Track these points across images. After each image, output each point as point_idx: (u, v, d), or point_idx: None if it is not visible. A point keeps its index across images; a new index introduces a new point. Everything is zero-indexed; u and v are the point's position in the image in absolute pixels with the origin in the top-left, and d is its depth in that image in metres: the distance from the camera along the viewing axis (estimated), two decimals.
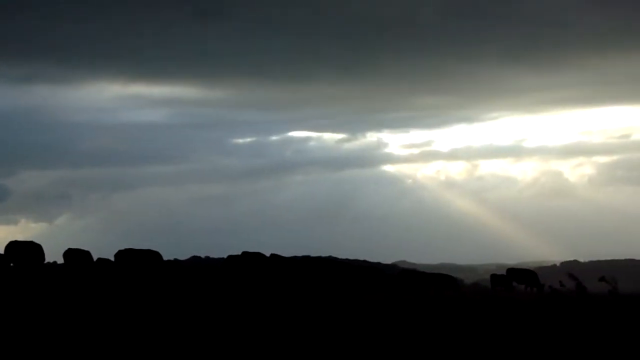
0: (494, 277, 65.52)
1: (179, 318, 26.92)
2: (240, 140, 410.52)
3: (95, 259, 54.41)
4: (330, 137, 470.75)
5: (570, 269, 72.50)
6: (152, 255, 55.82)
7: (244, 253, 58.90)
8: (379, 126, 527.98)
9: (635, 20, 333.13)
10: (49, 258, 53.50)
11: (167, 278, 51.63)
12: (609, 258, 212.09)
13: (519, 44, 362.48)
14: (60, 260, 54.73)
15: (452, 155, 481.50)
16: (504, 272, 66.40)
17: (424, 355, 18.68)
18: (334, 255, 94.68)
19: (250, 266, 57.35)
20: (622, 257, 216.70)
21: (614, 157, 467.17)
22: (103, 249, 58.84)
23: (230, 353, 19.01)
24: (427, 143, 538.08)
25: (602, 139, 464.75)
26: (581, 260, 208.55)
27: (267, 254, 59.52)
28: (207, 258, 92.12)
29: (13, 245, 50.34)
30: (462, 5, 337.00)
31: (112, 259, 54.63)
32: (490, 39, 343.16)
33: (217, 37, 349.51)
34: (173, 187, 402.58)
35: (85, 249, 54.54)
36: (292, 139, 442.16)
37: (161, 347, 19.75)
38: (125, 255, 54.64)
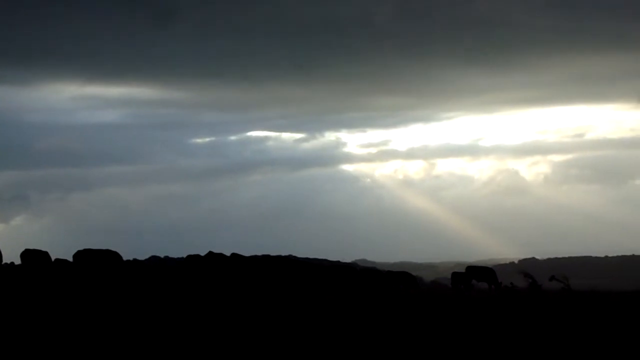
0: (454, 275, 65.93)
1: (140, 319, 26.93)
2: (199, 140, 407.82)
3: (53, 259, 53.98)
4: (288, 136, 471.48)
5: (528, 266, 73.39)
6: (111, 256, 55.55)
7: (210, 253, 58.78)
8: (337, 126, 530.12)
9: (585, 22, 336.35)
10: (6, 259, 52.97)
11: (127, 278, 51.47)
12: (565, 255, 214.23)
13: (473, 46, 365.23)
14: (18, 261, 54.27)
15: (409, 155, 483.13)
16: (463, 270, 66.84)
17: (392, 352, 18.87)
18: (294, 254, 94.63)
19: (211, 266, 57.31)
20: (578, 255, 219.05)
21: (569, 156, 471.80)
22: (61, 249, 58.31)
23: (195, 353, 19.08)
24: (385, 142, 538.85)
25: (556, 138, 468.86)
26: (539, 257, 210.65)
27: (228, 254, 59.46)
28: (167, 258, 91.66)
29: None
30: (417, 7, 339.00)
31: (71, 259, 54.29)
32: (445, 40, 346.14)
33: (173, 39, 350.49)
34: (131, 187, 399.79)
35: (43, 249, 54.09)
36: (251, 139, 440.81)
37: (124, 348, 19.78)
38: (84, 255, 54.30)
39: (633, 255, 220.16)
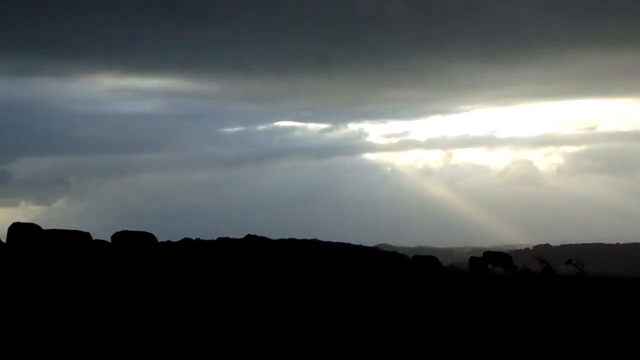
0: (472, 259, 66.17)
1: (174, 298, 27.21)
2: (229, 130, 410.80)
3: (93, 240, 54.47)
4: (314, 127, 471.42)
5: (542, 252, 73.25)
6: (147, 237, 56.10)
7: (248, 236, 59.19)
8: (360, 117, 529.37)
9: (596, 20, 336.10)
10: None
11: (162, 259, 52.00)
12: (578, 242, 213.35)
13: (491, 42, 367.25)
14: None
15: (429, 145, 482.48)
16: (479, 255, 67.04)
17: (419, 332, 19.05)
18: (318, 238, 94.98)
19: (241, 248, 57.78)
20: (590, 242, 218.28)
21: (581, 148, 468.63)
22: (100, 231, 58.88)
23: (227, 332, 19.25)
24: (405, 133, 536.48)
25: (569, 131, 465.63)
26: (552, 244, 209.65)
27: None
28: (198, 240, 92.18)
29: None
30: (437, 6, 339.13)
31: (109, 240, 54.84)
32: (464, 36, 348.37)
33: (205, 35, 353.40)
34: (164, 173, 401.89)
35: (84, 231, 54.62)
36: (278, 129, 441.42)
37: (158, 325, 20.01)
38: (121, 237, 54.90)
39: (637, 244, 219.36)
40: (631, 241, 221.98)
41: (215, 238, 62.78)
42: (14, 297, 25.28)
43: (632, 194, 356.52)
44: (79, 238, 52.55)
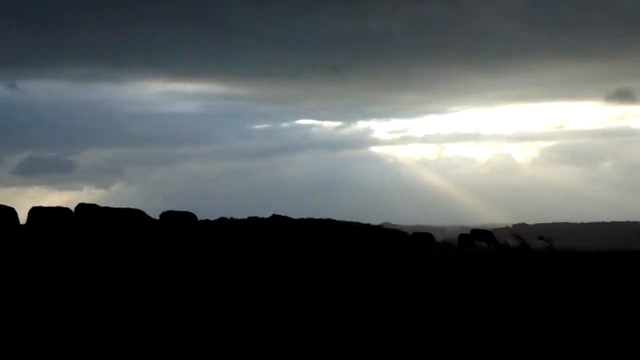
0: (461, 236, 66.18)
1: (214, 269, 27.40)
2: (257, 127, 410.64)
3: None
4: (329, 124, 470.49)
5: (520, 230, 73.05)
6: (189, 216, 56.50)
7: (273, 216, 59.49)
8: (367, 116, 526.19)
9: (563, 36, 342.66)
10: None
11: (201, 234, 52.43)
12: (549, 222, 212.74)
13: (477, 53, 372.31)
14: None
15: (425, 140, 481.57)
16: (467, 232, 67.09)
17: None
18: (332, 217, 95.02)
19: (268, 226, 58.13)
20: (559, 221, 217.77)
21: (552, 143, 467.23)
22: (149, 211, 59.39)
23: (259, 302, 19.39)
24: (405, 130, 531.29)
25: (542, 129, 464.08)
26: (528, 223, 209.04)
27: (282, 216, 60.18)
28: (232, 219, 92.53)
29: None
30: (431, 23, 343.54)
31: (158, 218, 55.22)
32: (454, 49, 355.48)
33: (237, 46, 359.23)
34: (203, 163, 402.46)
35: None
36: (299, 126, 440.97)
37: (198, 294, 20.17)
38: (168, 215, 55.35)
39: (603, 222, 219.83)
40: (592, 220, 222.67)
41: (246, 217, 63.09)
42: (82, 262, 25.60)
43: (593, 181, 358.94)
44: (135, 215, 53.03)
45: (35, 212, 46.45)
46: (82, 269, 24.10)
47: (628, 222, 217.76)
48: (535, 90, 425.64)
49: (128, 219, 52.74)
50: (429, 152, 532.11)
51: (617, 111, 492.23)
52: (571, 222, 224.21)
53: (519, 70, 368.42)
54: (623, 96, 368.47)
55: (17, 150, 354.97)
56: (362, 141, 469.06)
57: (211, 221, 76.68)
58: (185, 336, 12.68)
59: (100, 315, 14.78)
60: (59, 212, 48.12)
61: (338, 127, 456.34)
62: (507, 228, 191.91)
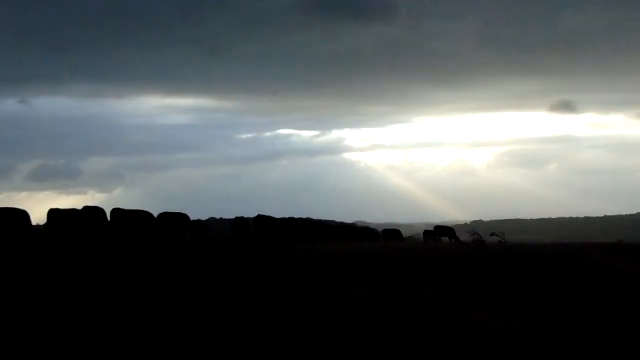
0: (426, 232, 66.58)
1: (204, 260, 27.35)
2: (243, 136, 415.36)
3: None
4: (307, 134, 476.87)
5: (477, 226, 73.69)
6: (182, 217, 56.22)
7: (258, 216, 59.33)
8: (341, 126, 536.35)
9: (513, 56, 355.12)
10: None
11: (192, 233, 52.30)
12: (503, 218, 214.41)
13: (438, 71, 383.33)
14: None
15: (392, 147, 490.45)
16: (431, 229, 67.49)
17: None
18: (310, 216, 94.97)
19: (253, 225, 58.08)
20: (512, 218, 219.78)
21: (504, 149, 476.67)
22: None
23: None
24: (375, 138, 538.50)
25: (496, 136, 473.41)
26: (484, 219, 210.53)
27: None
28: (221, 218, 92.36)
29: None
30: (396, 44, 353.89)
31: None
32: (417, 67, 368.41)
33: (226, 66, 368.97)
34: (195, 169, 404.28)
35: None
36: (280, 135, 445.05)
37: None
38: (164, 216, 55.05)
39: (550, 218, 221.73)
40: (541, 217, 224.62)
41: (233, 217, 62.89)
42: (88, 263, 25.47)
43: (539, 182, 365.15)
44: (144, 216, 52.56)
45: (53, 213, 46.46)
46: (98, 263, 24.06)
47: (571, 217, 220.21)
48: (489, 102, 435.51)
49: (138, 220, 52.29)
50: (396, 157, 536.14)
51: (560, 120, 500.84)
52: (522, 218, 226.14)
53: (474, 85, 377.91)
54: (565, 107, 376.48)
55: (29, 159, 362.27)
56: (337, 148, 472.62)
57: (202, 221, 76.44)
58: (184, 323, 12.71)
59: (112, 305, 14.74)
60: (74, 213, 47.87)
61: (315, 136, 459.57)
62: (466, 224, 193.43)
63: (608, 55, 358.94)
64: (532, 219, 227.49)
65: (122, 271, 20.97)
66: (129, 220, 50.36)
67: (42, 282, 18.41)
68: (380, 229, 75.68)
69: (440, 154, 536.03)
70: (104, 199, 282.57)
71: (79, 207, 50.03)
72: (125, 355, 10.64)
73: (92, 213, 48.51)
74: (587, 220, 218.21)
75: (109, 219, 48.71)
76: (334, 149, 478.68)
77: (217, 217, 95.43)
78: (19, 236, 37.70)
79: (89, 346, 10.99)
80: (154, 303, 15.01)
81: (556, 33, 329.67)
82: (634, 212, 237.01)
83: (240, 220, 60.52)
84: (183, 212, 58.31)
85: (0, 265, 21.09)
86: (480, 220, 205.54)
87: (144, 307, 14.40)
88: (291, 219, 65.94)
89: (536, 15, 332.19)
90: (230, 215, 78.88)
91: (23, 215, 42.43)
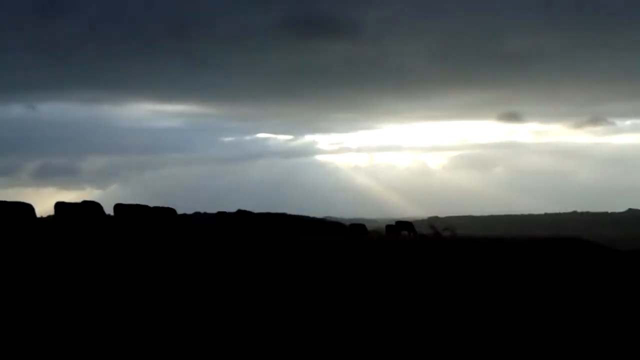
0: (388, 226, 67.00)
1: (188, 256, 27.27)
2: (226, 139, 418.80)
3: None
4: (283, 137, 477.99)
5: (433, 221, 74.37)
6: (170, 211, 56.03)
7: (238, 210, 59.43)
8: (312, 131, 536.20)
9: (465, 69, 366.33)
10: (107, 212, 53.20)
11: (180, 226, 52.20)
12: (457, 214, 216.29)
13: (398, 82, 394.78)
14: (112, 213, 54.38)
15: (358, 150, 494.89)
16: (392, 223, 67.95)
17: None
18: (286, 212, 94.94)
19: (234, 219, 58.12)
20: (464, 214, 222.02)
21: (457, 153, 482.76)
22: None
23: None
24: (342, 142, 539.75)
25: (450, 142, 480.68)
26: (440, 215, 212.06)
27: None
28: (205, 213, 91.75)
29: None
30: (361, 59, 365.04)
31: None
32: (380, 79, 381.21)
33: (210, 76, 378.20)
34: (183, 167, 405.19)
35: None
36: (259, 139, 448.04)
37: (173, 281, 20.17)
38: (154, 210, 54.75)
39: (499, 215, 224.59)
40: (488, 214, 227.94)
41: (216, 211, 62.84)
42: (81, 251, 25.25)
43: (488, 183, 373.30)
44: (129, 210, 52.16)
45: (59, 206, 46.29)
46: (102, 253, 23.97)
47: (516, 214, 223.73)
48: (444, 111, 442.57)
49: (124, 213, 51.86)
50: (362, 159, 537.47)
51: (506, 129, 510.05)
52: (473, 214, 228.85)
53: (431, 96, 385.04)
54: (511, 117, 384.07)
55: (34, 158, 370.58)
56: (309, 151, 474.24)
57: (188, 215, 76.21)
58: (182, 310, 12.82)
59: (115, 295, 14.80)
60: (84, 206, 47.53)
61: (289, 140, 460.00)
62: (423, 220, 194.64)
63: (550, 72, 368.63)
64: (481, 215, 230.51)
65: (122, 258, 20.92)
66: (131, 214, 50.07)
67: (50, 269, 18.36)
68: (347, 224, 76.06)
69: (401, 156, 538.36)
70: (100, 194, 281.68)
71: (78, 201, 49.86)
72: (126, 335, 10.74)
73: (90, 206, 48.34)
74: (529, 217, 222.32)
75: (105, 211, 48.61)
76: (307, 151, 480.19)
77: (202, 211, 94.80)
78: (24, 226, 37.72)
79: (95, 330, 11.04)
80: (151, 290, 15.11)
81: (504, 52, 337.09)
82: (570, 210, 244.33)
83: (222, 215, 60.57)
84: (170, 206, 58.31)
85: (8, 252, 20.98)
86: (437, 216, 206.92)
87: (142, 293, 14.50)
88: (268, 214, 66.16)
89: (486, 35, 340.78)
90: (212, 209, 78.79)
91: (28, 208, 42.38)
